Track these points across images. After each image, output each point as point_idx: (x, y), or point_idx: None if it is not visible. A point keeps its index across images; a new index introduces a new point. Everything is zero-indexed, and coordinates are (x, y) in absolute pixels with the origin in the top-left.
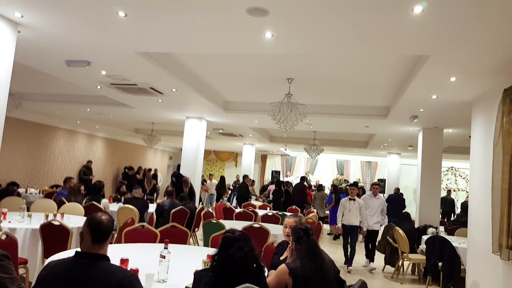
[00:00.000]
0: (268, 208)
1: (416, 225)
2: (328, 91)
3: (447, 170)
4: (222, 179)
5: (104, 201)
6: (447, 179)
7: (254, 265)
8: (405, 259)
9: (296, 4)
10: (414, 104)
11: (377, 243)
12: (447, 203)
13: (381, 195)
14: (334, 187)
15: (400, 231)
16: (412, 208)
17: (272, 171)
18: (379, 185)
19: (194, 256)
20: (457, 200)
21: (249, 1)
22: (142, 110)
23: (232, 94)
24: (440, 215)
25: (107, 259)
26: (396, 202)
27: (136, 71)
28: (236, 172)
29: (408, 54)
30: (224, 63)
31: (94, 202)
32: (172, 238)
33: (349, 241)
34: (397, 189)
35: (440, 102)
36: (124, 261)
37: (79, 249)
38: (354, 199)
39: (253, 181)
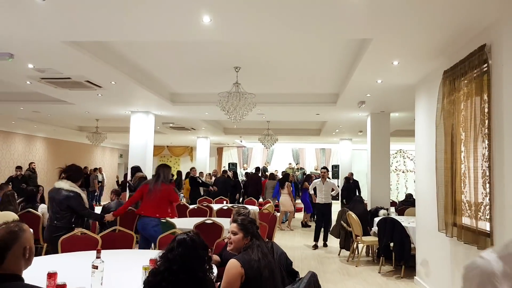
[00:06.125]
0: (224, 202)
1: (369, 208)
2: (277, 80)
3: (396, 153)
4: (179, 174)
5: (42, 206)
6: (396, 161)
7: (200, 273)
8: (359, 242)
9: None
10: (361, 90)
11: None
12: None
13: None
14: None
15: (353, 215)
16: (364, 191)
17: (229, 163)
18: None
19: (136, 262)
20: (406, 181)
21: None
22: (82, 106)
23: (178, 85)
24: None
25: (18, 278)
26: (348, 188)
27: (67, 63)
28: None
29: (350, 38)
30: (167, 53)
31: (31, 209)
32: (115, 243)
33: None
34: (351, 174)
35: (385, 87)
36: (51, 275)
37: None
38: None
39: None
